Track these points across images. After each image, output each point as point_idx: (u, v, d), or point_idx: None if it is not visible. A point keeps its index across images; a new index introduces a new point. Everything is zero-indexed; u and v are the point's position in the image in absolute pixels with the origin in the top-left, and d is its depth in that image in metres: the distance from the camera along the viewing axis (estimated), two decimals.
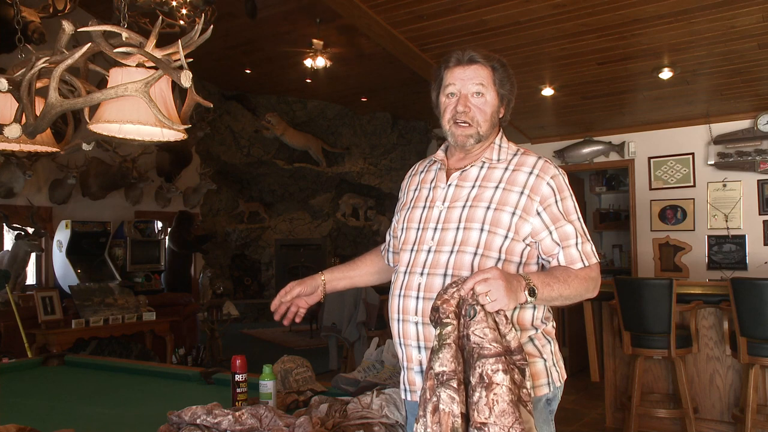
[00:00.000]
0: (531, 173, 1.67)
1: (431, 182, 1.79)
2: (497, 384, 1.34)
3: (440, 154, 1.82)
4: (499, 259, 1.62)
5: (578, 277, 1.63)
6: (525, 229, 1.63)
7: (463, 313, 1.43)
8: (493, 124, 1.73)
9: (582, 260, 1.66)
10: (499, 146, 1.76)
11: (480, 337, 1.39)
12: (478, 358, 1.37)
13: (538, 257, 1.69)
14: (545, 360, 1.67)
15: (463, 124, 1.69)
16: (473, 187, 1.70)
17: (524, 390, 1.42)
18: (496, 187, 1.67)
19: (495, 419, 1.32)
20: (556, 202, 1.66)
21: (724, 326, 4.20)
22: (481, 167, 1.73)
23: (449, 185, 1.73)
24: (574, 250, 1.65)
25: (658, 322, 4.09)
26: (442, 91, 1.74)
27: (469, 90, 1.69)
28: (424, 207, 1.75)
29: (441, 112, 1.75)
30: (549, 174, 1.67)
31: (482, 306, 1.42)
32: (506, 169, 1.71)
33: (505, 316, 1.46)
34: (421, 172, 1.87)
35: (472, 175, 1.72)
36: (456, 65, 1.71)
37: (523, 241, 1.64)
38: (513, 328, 1.47)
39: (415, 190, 1.83)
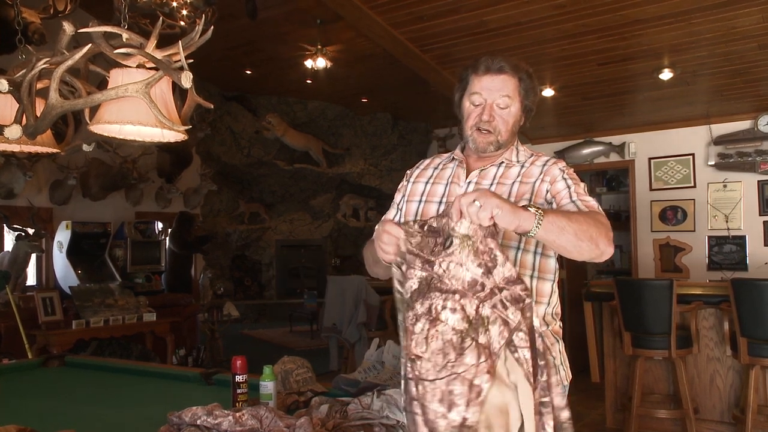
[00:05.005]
0: (545, 165, 1.73)
1: (448, 179, 1.80)
2: (441, 321, 1.28)
3: (459, 153, 1.84)
4: (518, 248, 1.65)
5: (582, 214, 1.53)
6: None
7: (439, 240, 1.37)
8: (514, 133, 1.77)
9: (583, 209, 1.60)
10: (517, 150, 1.81)
11: (443, 269, 1.32)
12: (433, 290, 1.30)
13: None
14: (553, 358, 1.67)
15: (485, 132, 1.72)
16: (491, 184, 1.73)
17: (520, 334, 1.30)
18: (513, 183, 1.71)
19: (428, 355, 1.27)
20: (564, 179, 1.68)
21: (724, 327, 4.19)
22: (499, 166, 1.77)
23: (468, 183, 1.76)
24: (573, 206, 1.61)
25: (658, 322, 4.09)
26: (467, 95, 1.75)
27: (495, 100, 1.71)
28: (440, 203, 1.77)
29: (464, 115, 1.77)
30: (560, 165, 1.73)
31: (471, 220, 1.31)
32: (522, 166, 1.76)
33: (500, 250, 1.34)
34: (435, 167, 1.87)
35: (490, 174, 1.76)
36: (485, 73, 1.72)
37: None
38: (508, 261, 1.35)
39: (426, 183, 1.83)
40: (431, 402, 1.24)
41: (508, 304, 1.31)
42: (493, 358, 1.27)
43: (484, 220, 1.32)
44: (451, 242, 1.33)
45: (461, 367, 1.25)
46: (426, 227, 1.42)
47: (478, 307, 1.29)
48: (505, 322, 1.29)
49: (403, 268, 1.42)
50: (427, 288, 1.32)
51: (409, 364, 1.28)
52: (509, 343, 1.30)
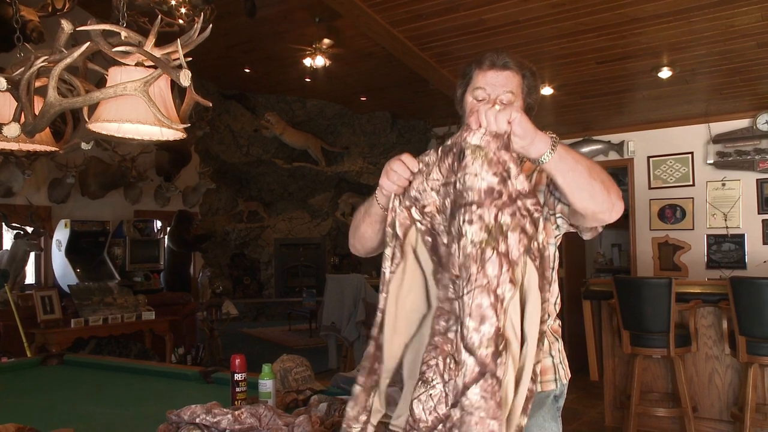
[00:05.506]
0: None
1: None
2: (463, 236, 1.28)
3: None
4: None
5: (595, 163, 1.50)
6: (539, 198, 1.61)
7: (455, 156, 1.37)
8: None
9: None
10: None
11: (461, 184, 1.31)
12: (457, 208, 1.31)
13: (555, 236, 1.67)
14: (553, 357, 1.68)
15: None
16: None
17: (534, 243, 1.31)
18: None
19: (459, 273, 1.28)
20: None
21: (723, 325, 4.20)
22: None
23: None
24: None
25: (657, 321, 4.09)
26: (470, 90, 1.73)
27: (498, 96, 1.68)
28: None
29: (466, 111, 1.73)
30: None
31: (488, 125, 1.32)
32: (522, 160, 1.72)
33: (514, 162, 1.32)
34: None
35: None
36: (489, 68, 1.69)
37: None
38: (521, 174, 1.33)
39: None
40: (465, 317, 1.25)
41: (525, 213, 1.30)
42: (513, 267, 1.26)
43: (502, 123, 1.31)
44: (464, 155, 1.32)
45: (484, 279, 1.24)
46: (440, 150, 1.42)
47: (496, 215, 1.27)
48: (524, 230, 1.28)
49: (413, 210, 1.43)
50: (454, 208, 1.33)
51: (452, 286, 1.30)
52: (528, 251, 1.29)
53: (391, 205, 1.48)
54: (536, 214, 1.31)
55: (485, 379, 1.21)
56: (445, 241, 1.38)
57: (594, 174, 1.42)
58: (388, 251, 1.46)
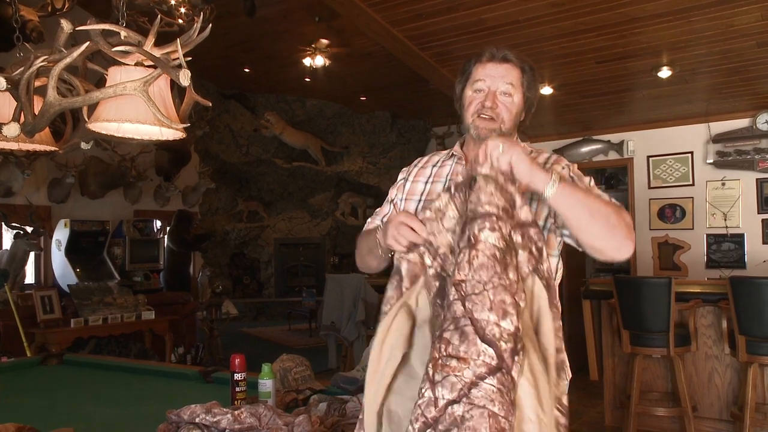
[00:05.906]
0: (546, 162, 1.68)
1: (446, 176, 1.75)
2: (481, 241, 1.27)
3: (458, 149, 1.79)
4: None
5: (604, 201, 1.49)
6: (543, 210, 1.61)
7: (466, 187, 1.41)
8: (515, 125, 1.72)
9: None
10: None
11: (473, 202, 1.34)
12: (469, 222, 1.32)
13: (558, 245, 1.65)
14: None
15: (488, 119, 1.67)
16: None
17: (541, 266, 1.33)
18: None
19: (472, 274, 1.25)
20: (570, 175, 1.63)
21: (722, 325, 4.20)
22: None
23: None
24: None
25: (657, 320, 4.09)
26: (469, 84, 1.71)
27: (498, 88, 1.67)
28: None
29: (465, 105, 1.72)
30: (562, 163, 1.69)
31: (492, 163, 1.38)
32: None
33: (519, 195, 1.38)
34: (434, 165, 1.82)
35: None
36: (489, 60, 1.69)
37: (543, 226, 1.61)
38: (525, 206, 1.38)
39: (425, 182, 1.79)
40: (481, 312, 1.21)
41: (530, 240, 1.34)
42: (523, 281, 1.29)
43: (503, 164, 1.39)
44: (475, 182, 1.38)
45: (507, 281, 1.24)
46: (453, 187, 1.46)
47: (510, 231, 1.31)
48: (531, 252, 1.33)
49: (426, 257, 1.44)
50: (464, 224, 1.35)
51: (453, 291, 1.28)
52: (536, 270, 1.32)
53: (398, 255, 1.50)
54: (539, 243, 1.36)
55: (502, 373, 1.17)
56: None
57: (596, 214, 1.44)
58: (389, 291, 1.46)
